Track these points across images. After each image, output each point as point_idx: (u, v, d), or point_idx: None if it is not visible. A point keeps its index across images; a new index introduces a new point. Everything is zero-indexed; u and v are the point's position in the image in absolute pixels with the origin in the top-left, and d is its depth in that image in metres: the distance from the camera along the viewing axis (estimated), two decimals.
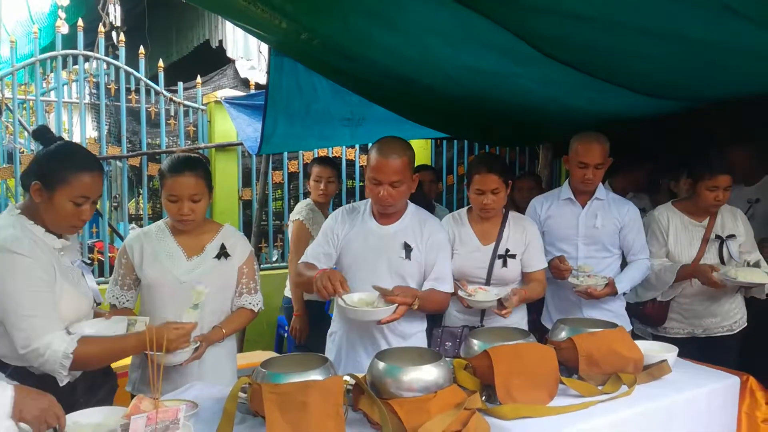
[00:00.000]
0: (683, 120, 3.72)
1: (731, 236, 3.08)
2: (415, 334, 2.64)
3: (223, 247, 2.45)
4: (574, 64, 2.64)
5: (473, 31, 2.36)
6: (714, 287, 2.96)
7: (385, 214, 2.59)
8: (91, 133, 5.25)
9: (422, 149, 6.07)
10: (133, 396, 2.23)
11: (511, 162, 6.37)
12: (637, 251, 3.08)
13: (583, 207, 3.09)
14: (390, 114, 3.92)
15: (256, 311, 2.55)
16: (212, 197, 2.45)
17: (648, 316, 3.20)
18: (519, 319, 2.85)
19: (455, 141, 6.21)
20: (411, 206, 2.66)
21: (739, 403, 2.36)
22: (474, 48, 2.55)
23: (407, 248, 2.54)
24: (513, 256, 2.81)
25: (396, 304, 2.34)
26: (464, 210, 2.97)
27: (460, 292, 2.66)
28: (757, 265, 2.99)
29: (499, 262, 2.80)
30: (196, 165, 2.39)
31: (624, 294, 3.08)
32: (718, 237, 3.08)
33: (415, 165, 2.68)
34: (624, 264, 3.14)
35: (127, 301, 2.45)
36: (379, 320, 2.36)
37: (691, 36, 2.17)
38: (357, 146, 5.92)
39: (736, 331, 3.12)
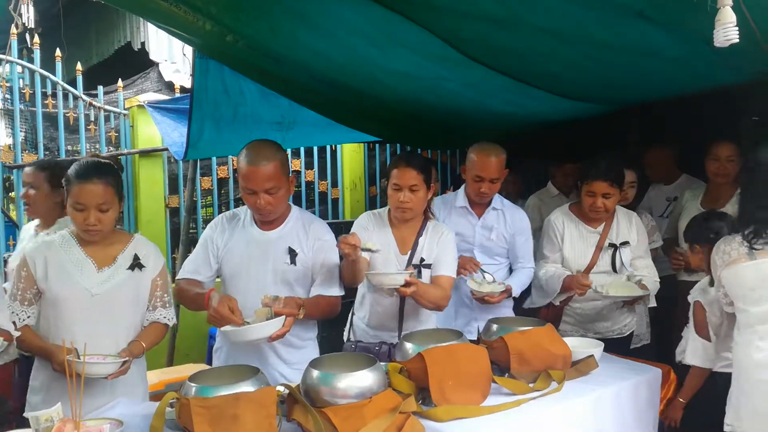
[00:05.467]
0: (607, 121, 3.85)
1: (624, 243, 3.07)
2: (307, 342, 2.56)
3: (136, 257, 2.32)
4: (495, 67, 2.69)
5: (398, 34, 2.37)
6: (580, 295, 2.93)
7: (267, 221, 2.50)
8: (5, 140, 4.98)
9: (355, 153, 6.04)
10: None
11: (442, 165, 6.45)
12: (524, 259, 3.12)
13: (479, 217, 3.09)
14: (321, 117, 3.88)
15: (170, 326, 2.43)
16: (122, 206, 2.31)
17: (543, 319, 3.22)
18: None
19: (388, 144, 6.23)
20: (294, 209, 2.58)
21: (662, 393, 2.47)
22: (400, 51, 2.56)
23: (292, 253, 2.45)
24: (428, 266, 2.71)
25: (284, 316, 2.23)
26: (385, 210, 2.85)
27: (368, 273, 2.54)
28: (634, 279, 2.98)
29: (414, 272, 2.67)
30: (106, 171, 2.24)
31: (514, 298, 3.09)
32: (611, 245, 3.07)
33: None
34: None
35: (28, 317, 2.23)
36: (269, 336, 2.20)
37: (602, 39, 2.24)
38: (289, 150, 5.85)
39: (625, 335, 3.15)
